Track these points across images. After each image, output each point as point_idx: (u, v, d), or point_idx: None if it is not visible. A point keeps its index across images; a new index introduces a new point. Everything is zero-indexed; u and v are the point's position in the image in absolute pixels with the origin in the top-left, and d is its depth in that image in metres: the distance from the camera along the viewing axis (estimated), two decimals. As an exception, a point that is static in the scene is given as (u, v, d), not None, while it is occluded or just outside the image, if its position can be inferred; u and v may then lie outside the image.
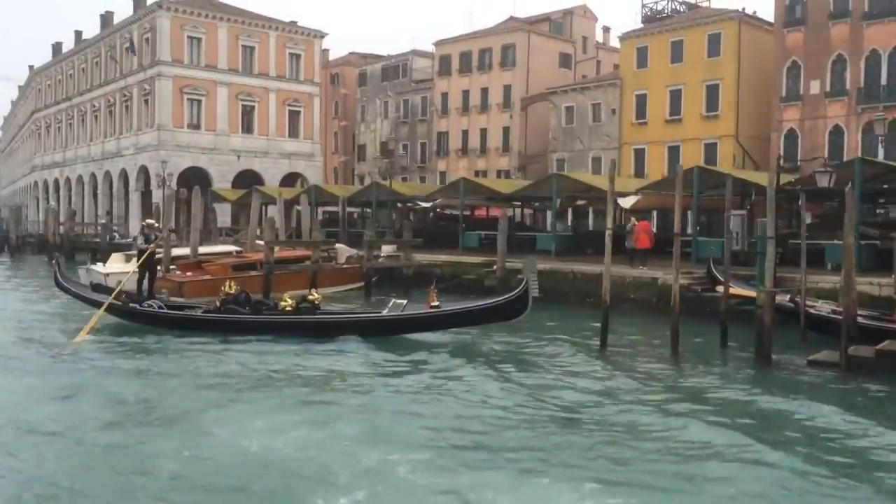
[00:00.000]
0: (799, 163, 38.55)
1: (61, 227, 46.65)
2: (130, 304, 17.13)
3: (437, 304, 15.29)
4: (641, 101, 45.33)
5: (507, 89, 52.99)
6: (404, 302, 15.91)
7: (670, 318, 18.16)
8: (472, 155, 55.34)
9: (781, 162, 30.56)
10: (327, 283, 23.15)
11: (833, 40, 37.27)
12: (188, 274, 21.51)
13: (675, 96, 43.71)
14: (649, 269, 21.04)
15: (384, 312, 15.62)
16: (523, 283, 14.74)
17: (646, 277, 20.07)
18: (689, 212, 24.81)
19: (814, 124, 38.19)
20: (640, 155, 45.52)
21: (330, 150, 67.53)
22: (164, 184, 44.62)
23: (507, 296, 15.05)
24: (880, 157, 35.58)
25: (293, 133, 53.46)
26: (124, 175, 52.57)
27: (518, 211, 44.51)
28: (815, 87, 38.04)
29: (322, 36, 54.71)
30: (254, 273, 21.88)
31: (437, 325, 15.63)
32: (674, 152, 43.86)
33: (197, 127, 49.31)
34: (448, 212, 42.86)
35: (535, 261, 15.09)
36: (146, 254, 17.87)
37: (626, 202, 25.75)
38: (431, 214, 39.23)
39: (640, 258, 21.51)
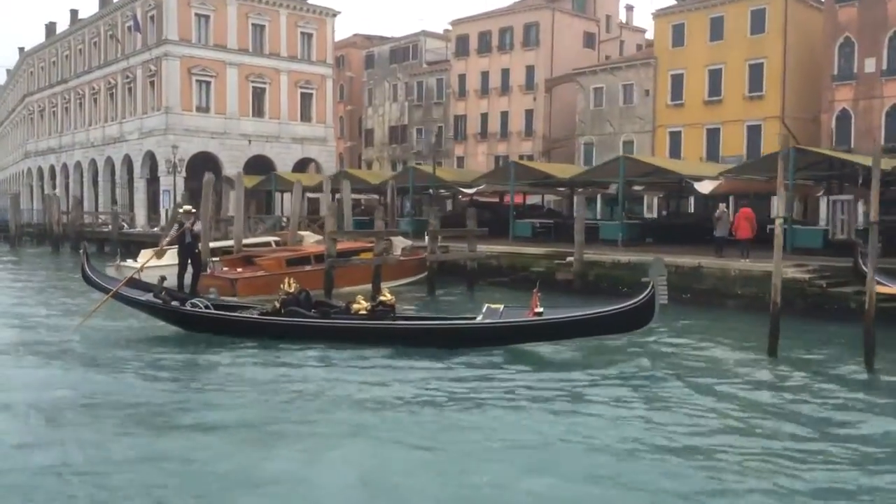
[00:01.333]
0: (853, 145, 36.62)
1: (65, 217, 43.88)
2: (172, 303, 14.81)
3: (540, 309, 12.81)
4: (678, 82, 43.15)
5: (530, 70, 50.64)
6: (500, 307, 13.44)
7: (792, 318, 16.20)
8: (491, 139, 53.01)
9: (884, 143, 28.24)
10: (386, 278, 20.91)
11: (890, 15, 35.17)
12: (238, 270, 19.16)
13: (715, 76, 41.55)
14: (752, 262, 18.87)
15: (479, 319, 13.11)
16: (649, 287, 12.20)
17: (755, 271, 17.92)
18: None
19: (869, 104, 36.14)
20: (675, 138, 43.37)
21: (336, 135, 65.03)
22: (174, 170, 42.05)
23: (630, 302, 12.52)
24: (942, 138, 33.76)
25: (305, 117, 50.89)
26: (128, 161, 49.84)
27: (541, 198, 42.45)
28: (870, 64, 35.96)
29: (335, 14, 52.06)
30: (309, 268, 19.62)
31: (544, 336, 13.12)
32: (713, 135, 41.86)
33: (206, 110, 46.65)
34: (478, 199, 40.60)
35: (662, 260, 12.73)
36: (177, 232, 15.46)
37: (705, 187, 23.64)
38: (464, 201, 36.88)
39: (743, 249, 19.33)
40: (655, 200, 40.77)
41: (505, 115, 52.19)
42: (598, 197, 40.42)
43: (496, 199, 40.64)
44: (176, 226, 15.80)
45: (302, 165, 50.32)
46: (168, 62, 45.09)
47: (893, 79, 35.28)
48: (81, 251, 15.57)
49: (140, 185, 48.45)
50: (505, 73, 51.97)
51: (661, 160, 30.64)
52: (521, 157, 51.42)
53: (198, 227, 15.86)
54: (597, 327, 12.84)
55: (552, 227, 27.49)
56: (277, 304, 13.96)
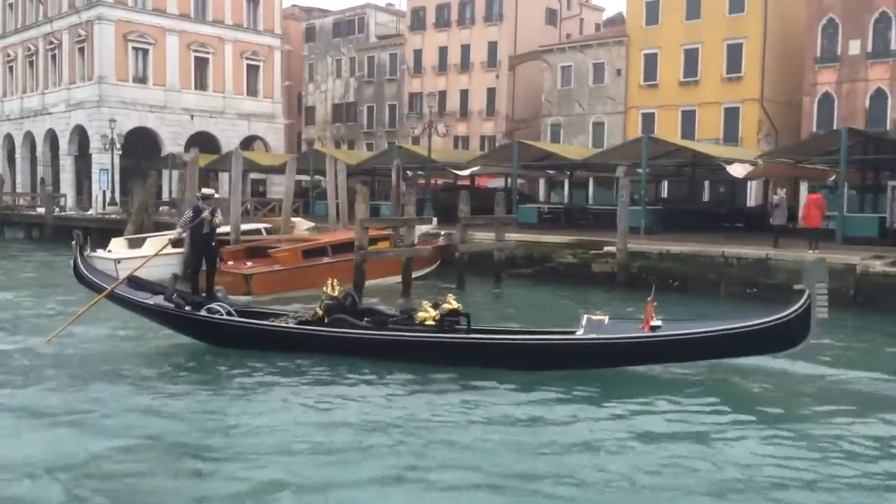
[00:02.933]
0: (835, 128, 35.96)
1: (-20, 198, 39.03)
2: (186, 308, 11.93)
3: (657, 322, 10.17)
4: (651, 61, 41.65)
5: (493, 46, 48.33)
6: (604, 318, 10.67)
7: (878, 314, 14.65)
8: (450, 118, 50.44)
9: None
10: (398, 270, 18.35)
11: (876, -3, 34.49)
12: (248, 264, 16.21)
13: (691, 56, 40.22)
14: (822, 252, 17.19)
15: (580, 333, 10.27)
16: (805, 296, 9.58)
17: (837, 264, 16.22)
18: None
19: (853, 87, 35.48)
20: (649, 120, 41.91)
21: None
22: (112, 146, 37.83)
23: (780, 316, 9.76)
24: (930, 123, 33.37)
25: (252, 91, 47.13)
26: (51, 136, 44.94)
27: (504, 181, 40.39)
28: (854, 47, 35.24)
29: (283, -20, 48.32)
30: (327, 260, 16.85)
31: (665, 356, 10.41)
32: (688, 117, 40.60)
33: (143, 81, 42.37)
34: (448, 182, 38.25)
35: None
36: (192, 221, 12.54)
37: (738, 170, 21.97)
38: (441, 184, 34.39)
39: (812, 239, 17.65)
40: (666, 185, 39.21)
41: (465, 94, 49.77)
42: (591, 180, 38.71)
43: (467, 182, 38.39)
44: (190, 212, 12.77)
45: (248, 144, 46.60)
46: (101, 27, 40.55)
47: (879, 62, 34.67)
48: (73, 240, 12.38)
49: (67, 163, 43.73)
50: (465, 48, 49.48)
51: (692, 143, 28.77)
52: (482, 139, 49.41)
53: (219, 217, 12.90)
54: (734, 347, 10.09)
55: (561, 213, 25.37)
56: (320, 311, 11.18)
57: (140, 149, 41.94)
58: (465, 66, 49.49)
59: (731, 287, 17.50)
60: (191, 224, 12.66)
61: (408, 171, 33.03)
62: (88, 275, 12.39)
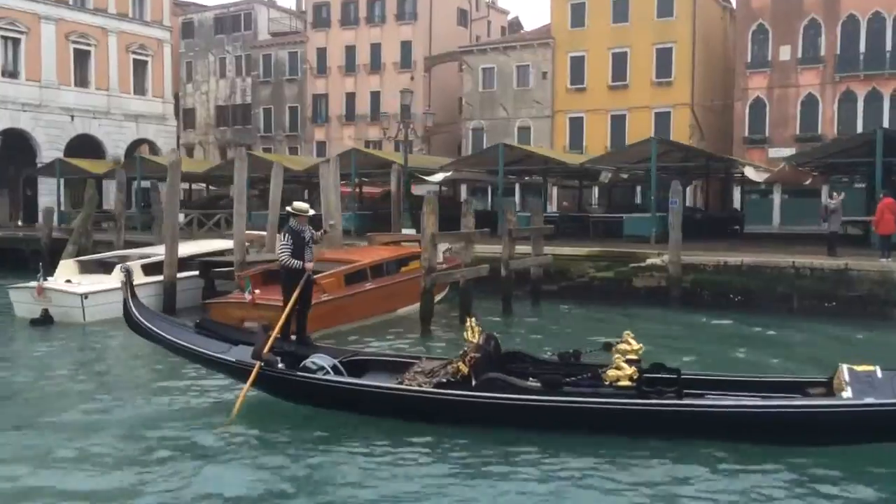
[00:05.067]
0: (767, 134, 36.38)
1: None
2: (280, 366, 8.76)
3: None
4: (578, 65, 40.67)
5: (406, 46, 45.72)
6: (873, 369, 7.54)
7: None
8: (360, 122, 47.34)
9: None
10: (415, 297, 15.52)
11: (805, 3, 35.15)
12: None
13: (620, 60, 39.59)
14: (894, 261, 16.07)
15: (848, 393, 7.18)
16: None
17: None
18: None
19: (784, 93, 36.00)
20: (577, 124, 40.95)
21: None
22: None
23: None
24: (858, 128, 34.32)
25: (140, 89, 41.77)
26: None
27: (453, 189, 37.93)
28: (785, 52, 35.79)
29: (171, -33, 43.29)
30: (370, 286, 13.73)
31: None
32: (618, 122, 39.93)
33: (14, 75, 36.24)
34: (381, 190, 35.29)
35: None
36: (289, 245, 9.38)
37: (756, 175, 20.71)
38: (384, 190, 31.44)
39: (884, 247, 16.45)
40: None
41: (376, 96, 46.77)
42: (517, 186, 36.79)
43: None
44: (288, 239, 9.39)
45: (135, 148, 41.18)
46: (-41, 10, 34.18)
47: (809, 67, 35.35)
48: (123, 273, 8.86)
49: (-88, 172, 36.67)
50: (376, 48, 46.55)
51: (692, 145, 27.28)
52: (396, 144, 46.58)
53: (317, 235, 9.66)
54: None
55: (558, 222, 23.24)
56: (464, 368, 8.08)
57: (7, 154, 35.85)
58: (377, 66, 46.55)
59: (805, 301, 16.00)
60: (290, 252, 9.30)
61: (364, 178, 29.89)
62: (147, 323, 8.93)
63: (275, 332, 8.96)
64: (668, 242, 20.21)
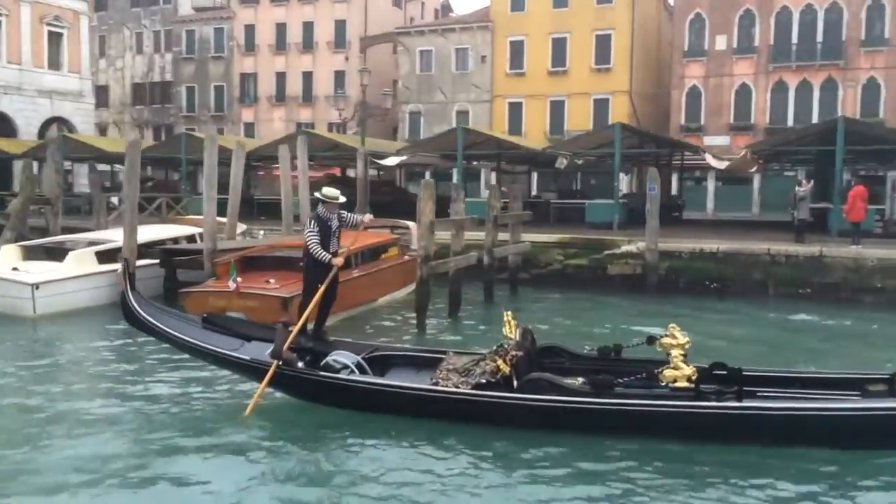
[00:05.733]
0: (703, 122, 37.08)
1: None
2: (299, 365, 8.04)
3: None
4: (517, 49, 40.41)
5: (341, 26, 44.40)
6: None
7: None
8: (292, 103, 45.78)
9: None
10: (394, 286, 14.91)
11: (741, -6, 35.87)
12: (269, 281, 11.87)
13: (559, 45, 39.54)
14: (865, 248, 16.38)
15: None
16: None
17: (899, 259, 15.39)
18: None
19: (719, 82, 36.74)
20: (516, 109, 40.74)
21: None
22: None
23: None
24: (790, 120, 35.45)
25: (55, 63, 38.88)
26: None
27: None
28: (721, 42, 36.50)
29: (88, -67, 40.45)
30: (357, 274, 12.99)
31: None
32: (557, 108, 39.97)
33: (-87, 45, 33.16)
34: (332, 174, 34.01)
35: None
36: (316, 235, 8.63)
37: (719, 162, 20.77)
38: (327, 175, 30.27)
39: (855, 235, 16.72)
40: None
41: (308, 76, 45.30)
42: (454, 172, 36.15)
43: (338, 173, 34.52)
44: (314, 226, 8.57)
45: (48, 127, 38.50)
46: None
47: (743, 57, 36.14)
48: (122, 266, 7.95)
49: None
50: (308, 26, 45.01)
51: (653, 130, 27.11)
52: (330, 126, 45.29)
53: (359, 219, 8.93)
54: None
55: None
56: (506, 367, 7.41)
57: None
58: (309, 45, 45.03)
59: (780, 288, 16.13)
60: (319, 244, 8.50)
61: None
62: (147, 316, 8.00)
63: (297, 329, 8.17)
64: (631, 229, 20.19)
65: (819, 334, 13.23)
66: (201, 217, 19.11)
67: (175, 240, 16.21)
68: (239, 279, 11.60)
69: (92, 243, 15.12)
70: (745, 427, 6.89)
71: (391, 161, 24.73)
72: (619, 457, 6.90)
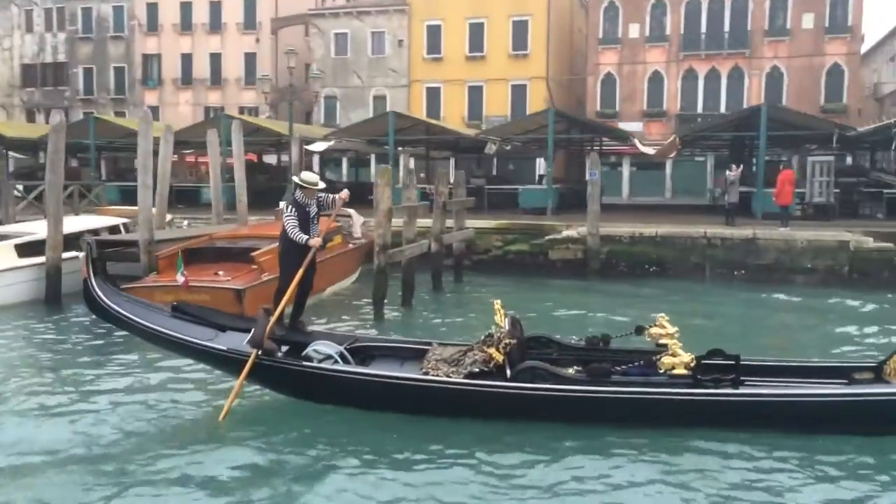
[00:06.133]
0: (617, 108, 37.83)
1: None
2: (279, 355, 7.68)
3: None
4: (434, 34, 40.07)
5: (250, 6, 42.84)
6: None
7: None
8: (199, 86, 43.92)
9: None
10: (339, 275, 14.48)
11: (653, -18, 36.69)
12: (219, 273, 11.19)
13: (477, 30, 39.44)
14: (793, 230, 17.00)
15: None
16: None
17: (828, 241, 16.04)
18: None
19: (633, 69, 37.54)
20: (434, 94, 40.44)
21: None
22: None
23: None
24: (699, 107, 36.71)
25: (-64, 40, 35.97)
26: None
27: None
28: (634, 30, 37.27)
29: None
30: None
31: None
32: (475, 93, 39.93)
33: None
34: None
35: None
36: (293, 219, 8.20)
37: (647, 148, 21.02)
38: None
39: (784, 217, 17.31)
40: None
41: (217, 59, 43.53)
42: (373, 157, 35.68)
43: (254, 159, 33.44)
44: (292, 211, 8.10)
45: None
46: None
47: (655, 46, 37.03)
48: (86, 248, 7.31)
49: None
50: (215, 6, 43.18)
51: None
52: (241, 110, 43.77)
53: (330, 199, 8.44)
54: None
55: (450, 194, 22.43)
56: (499, 355, 7.19)
57: None
58: (217, 26, 43.24)
59: (717, 269, 16.58)
60: (297, 227, 8.03)
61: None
62: (108, 302, 7.39)
63: (275, 317, 7.69)
64: (564, 214, 20.33)
65: (756, 313, 13.64)
66: (123, 207, 18.08)
67: (96, 231, 15.12)
68: (185, 273, 10.87)
69: (5, 236, 13.93)
70: (743, 413, 6.89)
71: (318, 146, 24.02)
72: (616, 444, 6.79)
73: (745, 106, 35.73)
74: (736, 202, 18.25)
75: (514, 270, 17.49)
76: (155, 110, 44.40)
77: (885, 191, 20.06)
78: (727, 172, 18.62)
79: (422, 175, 38.84)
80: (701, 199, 34.31)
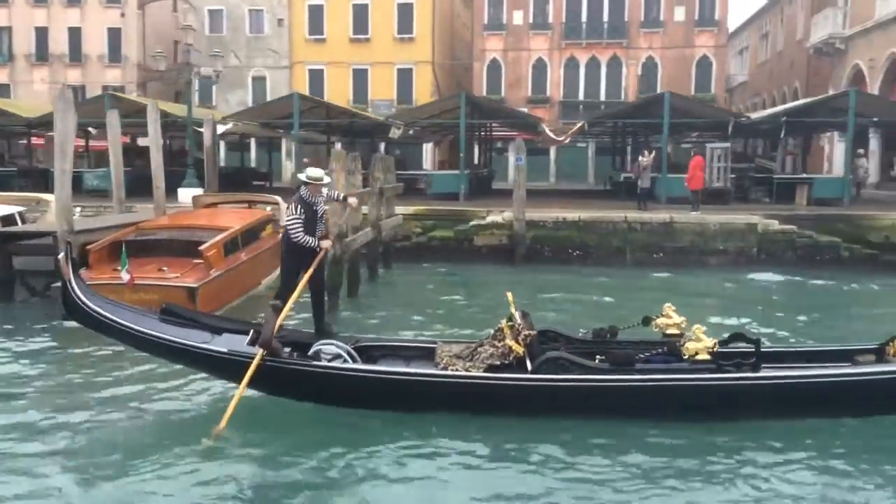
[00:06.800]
0: (503, 94, 38.32)
1: None
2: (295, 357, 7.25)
3: None
4: (317, 14, 38.97)
5: (114, -23, 39.79)
6: None
7: (799, 271, 16.08)
8: (57, 63, 40.41)
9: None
10: (272, 266, 13.84)
11: (536, -30, 37.34)
12: (164, 269, 10.27)
13: (361, 12, 38.70)
14: (704, 213, 17.84)
15: None
16: None
17: (738, 224, 16.92)
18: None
19: (517, 56, 38.15)
20: (317, 77, 39.36)
21: None
22: None
23: None
24: (581, 94, 37.90)
25: None
26: None
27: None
28: (518, 17, 37.84)
29: None
30: (245, 256, 11.82)
31: None
32: (360, 76, 39.28)
33: None
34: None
35: None
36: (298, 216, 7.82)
37: (557, 135, 21.27)
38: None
39: (695, 201, 18.07)
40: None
41: (76, 33, 40.17)
42: (253, 142, 34.30)
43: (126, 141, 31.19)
44: (298, 209, 7.52)
45: None
46: None
47: (539, 33, 37.79)
48: (62, 253, 6.52)
49: None
50: (73, -24, 39.78)
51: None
52: (105, 89, 40.73)
53: (319, 207, 7.85)
54: None
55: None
56: (518, 347, 6.90)
57: None
58: (75, -2, 39.89)
59: (637, 253, 17.13)
60: (302, 229, 7.47)
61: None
62: (91, 305, 6.59)
63: (282, 317, 7.13)
64: (476, 199, 20.35)
65: (676, 293, 14.08)
66: (8, 194, 16.41)
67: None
68: (128, 270, 9.86)
69: None
70: (765, 396, 6.92)
71: (218, 129, 22.63)
72: (644, 436, 6.77)
73: (622, 95, 37.46)
74: (648, 187, 18.92)
75: (439, 257, 17.31)
76: (5, 88, 40.60)
77: (775, 176, 21.50)
78: (640, 158, 19.26)
79: (305, 160, 38.01)
80: (583, 183, 35.59)
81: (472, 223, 17.60)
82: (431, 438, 6.67)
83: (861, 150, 24.24)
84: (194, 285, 9.86)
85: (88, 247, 10.59)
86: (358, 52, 38.76)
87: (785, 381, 7.00)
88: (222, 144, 39.54)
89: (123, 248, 9.93)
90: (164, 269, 10.28)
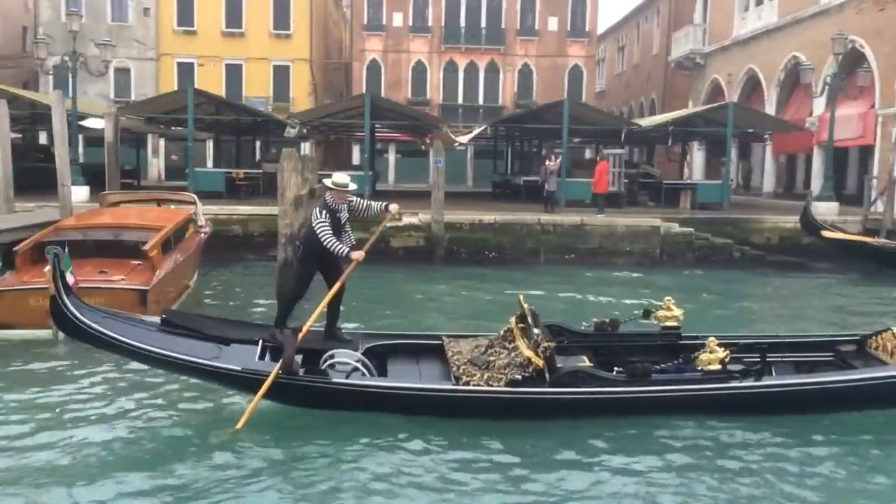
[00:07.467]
0: (383, 95, 38.14)
1: None
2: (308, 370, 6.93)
3: None
4: (186, 4, 37.11)
5: (-50, -48, 36.00)
6: None
7: (700, 271, 17.21)
8: None
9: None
10: (196, 266, 13.24)
11: (416, -27, 37.52)
12: (104, 272, 9.41)
13: (234, 4, 37.27)
14: (608, 216, 18.61)
15: None
16: None
17: (643, 226, 17.75)
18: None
19: (397, 57, 38.18)
20: (187, 70, 37.45)
21: None
22: None
23: None
24: (460, 98, 38.57)
25: None
26: None
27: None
28: (397, 19, 37.89)
29: None
30: (179, 257, 11.19)
31: None
32: (234, 72, 37.83)
33: None
34: None
35: None
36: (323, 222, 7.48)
37: (458, 138, 21.20)
38: None
39: (600, 205, 18.73)
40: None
41: None
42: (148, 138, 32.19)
43: None
44: (324, 214, 7.10)
45: None
46: None
47: (419, 36, 38.00)
48: (52, 258, 5.69)
49: None
50: None
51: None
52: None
53: (343, 214, 7.47)
54: None
55: (262, 181, 21.00)
56: (538, 359, 6.84)
57: None
58: None
59: (550, 254, 17.60)
60: (332, 235, 7.12)
61: None
62: (94, 325, 6.04)
63: (301, 334, 6.79)
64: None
65: (587, 291, 14.66)
66: None
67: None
68: (73, 274, 8.93)
69: None
70: (771, 401, 7.15)
71: (96, 123, 21.04)
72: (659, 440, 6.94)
73: (500, 100, 38.41)
74: (554, 190, 19.50)
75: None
76: None
77: (664, 182, 22.83)
78: (547, 162, 19.82)
79: (173, 157, 36.10)
80: (462, 185, 36.14)
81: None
82: (448, 441, 6.60)
83: (725, 158, 26.20)
84: (146, 288, 9.12)
85: (16, 248, 9.52)
86: (231, 47, 37.28)
87: (789, 388, 7.27)
88: (80, 139, 37.01)
89: (67, 250, 8.98)
90: (105, 271, 9.42)
